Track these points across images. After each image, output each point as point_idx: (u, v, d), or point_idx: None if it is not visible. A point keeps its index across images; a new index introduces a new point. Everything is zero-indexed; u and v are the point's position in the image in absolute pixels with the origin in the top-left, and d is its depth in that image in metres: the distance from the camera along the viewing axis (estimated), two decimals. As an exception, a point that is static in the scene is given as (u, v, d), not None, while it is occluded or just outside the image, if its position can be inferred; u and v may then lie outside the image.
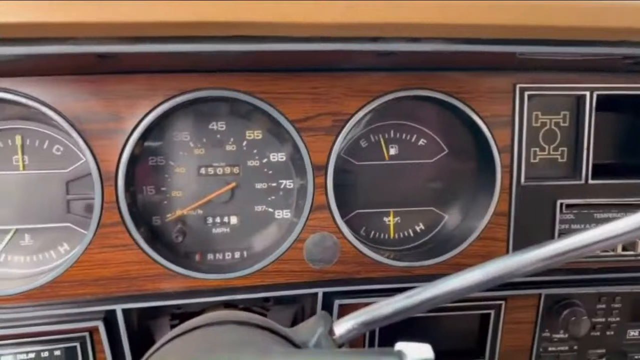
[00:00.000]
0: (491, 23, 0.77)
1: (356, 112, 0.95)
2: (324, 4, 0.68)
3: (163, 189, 1.02)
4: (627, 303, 1.14)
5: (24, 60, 0.76)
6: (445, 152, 1.10)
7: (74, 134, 0.87)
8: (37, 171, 0.97)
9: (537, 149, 1.05)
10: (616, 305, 1.13)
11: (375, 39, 0.77)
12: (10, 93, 0.85)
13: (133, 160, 0.92)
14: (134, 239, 0.91)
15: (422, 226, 1.13)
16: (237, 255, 1.06)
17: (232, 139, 1.03)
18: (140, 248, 0.91)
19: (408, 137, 1.09)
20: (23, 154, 0.97)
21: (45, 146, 0.98)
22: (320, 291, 0.98)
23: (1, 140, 0.97)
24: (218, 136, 1.02)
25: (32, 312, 0.89)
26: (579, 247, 0.55)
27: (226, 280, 0.96)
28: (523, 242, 1.03)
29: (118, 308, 0.91)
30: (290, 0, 0.70)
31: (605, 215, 1.07)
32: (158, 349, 0.56)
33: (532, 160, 1.04)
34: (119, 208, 0.90)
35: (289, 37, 0.72)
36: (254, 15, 0.67)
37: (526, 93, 1.00)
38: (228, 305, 1.03)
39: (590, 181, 1.04)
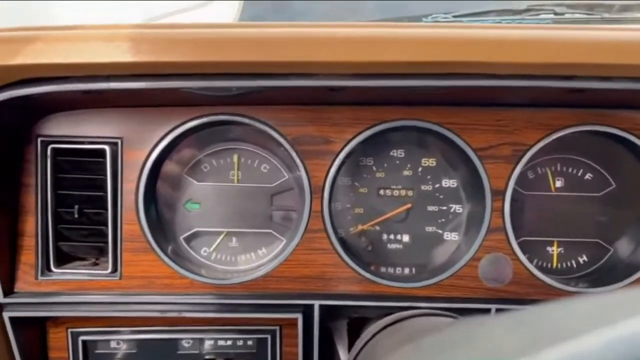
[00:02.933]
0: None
1: (536, 143, 1.04)
2: (531, 46, 0.80)
3: (348, 205, 1.16)
4: None
5: (268, 91, 0.95)
6: (612, 187, 1.14)
7: (293, 153, 1.04)
8: (248, 184, 1.16)
9: None
10: None
11: (569, 77, 0.87)
12: (248, 118, 1.04)
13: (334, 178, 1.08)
14: (332, 245, 1.06)
15: (585, 258, 1.17)
16: (406, 271, 1.17)
17: (409, 165, 1.16)
18: (337, 253, 1.06)
19: (574, 170, 1.16)
20: (238, 169, 1.17)
21: (255, 164, 1.17)
22: (493, 307, 1.06)
23: (222, 157, 1.17)
24: (397, 162, 1.16)
25: (247, 300, 1.05)
26: None
27: (406, 289, 1.07)
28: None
29: (316, 303, 1.05)
30: (498, 42, 0.83)
31: None
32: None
33: None
34: (322, 217, 1.06)
35: (494, 75, 0.85)
36: (470, 55, 0.80)
37: None
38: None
39: None
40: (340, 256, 1.06)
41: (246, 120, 1.05)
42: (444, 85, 0.84)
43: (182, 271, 1.05)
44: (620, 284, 1.06)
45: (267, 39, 0.85)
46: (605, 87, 0.86)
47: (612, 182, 1.15)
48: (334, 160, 1.06)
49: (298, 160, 1.05)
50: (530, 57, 0.82)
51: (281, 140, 1.05)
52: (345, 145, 1.06)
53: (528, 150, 1.05)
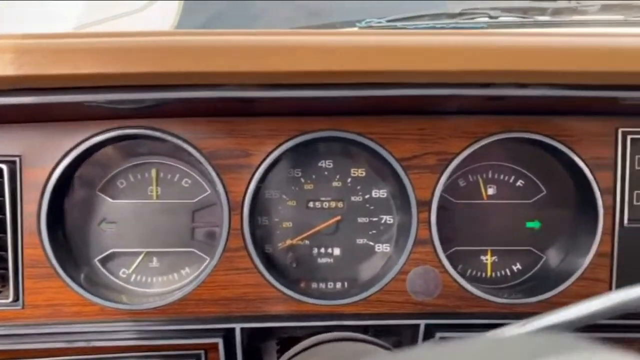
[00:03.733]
0: (596, 70, 0.83)
1: (461, 151, 1.01)
2: (446, 53, 0.77)
3: (276, 219, 1.11)
4: None
5: (176, 103, 0.89)
6: (543, 193, 1.12)
7: (209, 168, 0.98)
8: (168, 201, 1.10)
9: (640, 192, 1.06)
10: None
11: (486, 85, 0.84)
12: (160, 131, 0.98)
13: (254, 192, 1.02)
14: (254, 264, 1.00)
15: (519, 266, 1.15)
16: (338, 285, 1.13)
17: (338, 176, 1.11)
18: (259, 272, 1.00)
19: (506, 177, 1.14)
20: (157, 185, 1.10)
21: (175, 179, 1.10)
22: (422, 322, 1.02)
23: (139, 172, 1.10)
24: (326, 173, 1.11)
25: (163, 326, 0.98)
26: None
27: (333, 307, 1.02)
28: (627, 283, 1.01)
29: (237, 327, 0.99)
30: (412, 50, 0.79)
31: None
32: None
33: (635, 203, 1.05)
34: (242, 235, 1.00)
35: (410, 84, 0.81)
36: (384, 64, 0.76)
37: (629, 137, 1.02)
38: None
39: (698, 225, 1.03)
40: (262, 275, 1.00)
41: (158, 134, 0.98)
42: (353, 95, 0.80)
43: (91, 297, 0.98)
44: (551, 293, 1.04)
45: (168, 48, 0.79)
46: (522, 94, 0.84)
47: (543, 189, 1.13)
48: (253, 174, 1.00)
49: (215, 175, 0.99)
50: (443, 65, 0.79)
51: (196, 154, 0.99)
52: (265, 158, 1.00)
53: (453, 159, 1.01)
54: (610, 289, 1.03)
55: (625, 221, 1.04)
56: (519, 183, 1.13)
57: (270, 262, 1.09)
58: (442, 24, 1.41)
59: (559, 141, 1.02)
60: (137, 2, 2.23)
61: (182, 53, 0.79)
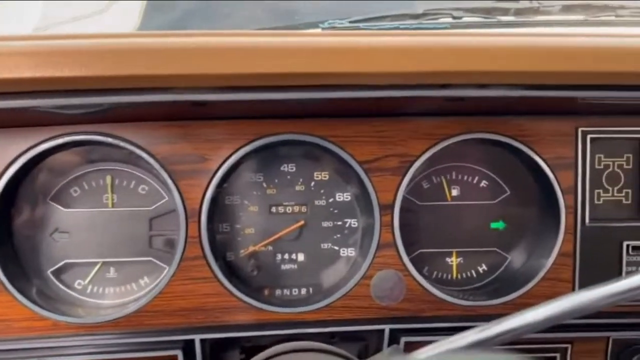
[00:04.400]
0: (554, 70, 0.82)
1: (422, 153, 1.00)
2: (401, 54, 0.75)
3: (237, 226, 1.08)
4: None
5: (126, 107, 0.85)
6: (507, 194, 1.12)
7: (164, 174, 0.95)
8: (124, 209, 1.06)
9: (601, 191, 1.06)
10: (690, 352, 1.10)
11: (444, 86, 0.82)
12: (111, 137, 0.94)
13: (213, 199, 0.99)
14: (213, 273, 0.97)
15: (484, 267, 1.14)
16: (303, 291, 1.10)
17: (301, 180, 1.09)
18: (219, 281, 0.97)
19: (469, 178, 1.13)
20: (112, 192, 1.06)
21: (132, 186, 1.07)
22: (386, 327, 1.01)
23: (94, 180, 1.06)
24: (288, 177, 1.09)
25: (119, 339, 0.95)
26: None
27: (296, 314, 1.00)
28: (589, 283, 1.01)
29: (196, 338, 0.96)
30: (367, 52, 0.78)
31: (676, 258, 1.06)
32: None
33: (596, 202, 1.05)
34: (200, 243, 0.97)
35: (366, 86, 0.79)
36: (338, 66, 0.74)
37: (589, 136, 1.02)
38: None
39: (658, 223, 1.04)
40: (222, 284, 0.97)
41: (110, 140, 0.95)
42: (308, 98, 0.78)
43: (43, 311, 0.93)
44: (515, 294, 1.03)
45: (116, 51, 0.76)
46: (481, 94, 0.83)
47: (507, 189, 1.12)
48: (211, 180, 0.97)
49: (170, 182, 0.96)
50: (400, 67, 0.77)
51: (150, 160, 0.95)
52: (222, 163, 0.97)
53: (414, 161, 1.00)
54: (573, 288, 1.04)
55: (587, 220, 1.04)
56: (483, 184, 1.13)
57: (231, 270, 1.06)
58: (405, 24, 1.40)
59: (520, 141, 1.02)
60: (98, 3, 2.17)
61: (131, 56, 0.75)
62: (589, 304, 0.64)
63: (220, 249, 1.06)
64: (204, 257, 0.97)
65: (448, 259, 1.14)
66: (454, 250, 1.13)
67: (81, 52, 0.74)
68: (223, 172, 0.97)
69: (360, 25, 1.38)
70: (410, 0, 1.88)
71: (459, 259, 1.14)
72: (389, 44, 0.79)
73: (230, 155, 0.97)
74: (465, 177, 1.13)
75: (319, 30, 1.35)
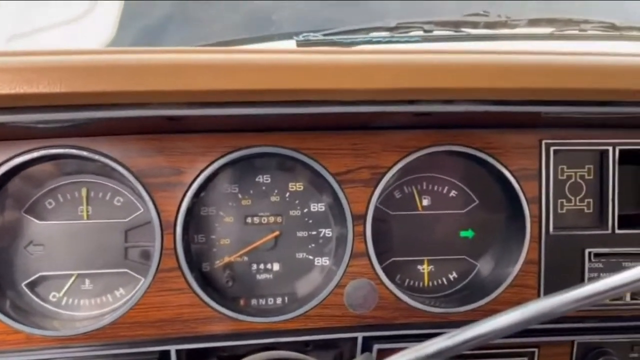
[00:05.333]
0: (516, 87, 0.86)
1: (393, 165, 1.03)
2: (371, 72, 0.78)
3: (213, 237, 1.09)
4: (661, 352, 1.16)
5: (101, 122, 0.86)
6: (476, 203, 1.16)
7: (139, 187, 0.96)
8: (99, 221, 1.06)
9: (564, 200, 1.10)
10: (649, 354, 1.15)
11: (412, 102, 0.86)
12: (86, 150, 0.95)
13: (189, 210, 1.01)
14: (188, 284, 0.98)
15: (455, 275, 1.18)
16: (279, 300, 1.12)
17: (276, 191, 1.11)
18: (194, 292, 0.98)
19: (440, 188, 1.16)
20: (88, 204, 1.06)
21: (107, 198, 1.07)
22: (360, 335, 1.03)
23: (69, 192, 1.06)
24: (264, 188, 1.11)
25: (94, 351, 0.95)
26: (604, 290, 0.61)
27: (271, 324, 1.01)
28: (554, 289, 1.06)
29: (172, 349, 0.97)
30: (338, 69, 0.80)
31: (634, 265, 1.10)
32: None
33: (559, 211, 1.10)
34: (176, 254, 0.98)
35: (337, 101, 0.82)
36: (310, 83, 0.76)
37: (552, 148, 1.07)
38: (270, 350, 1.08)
39: (617, 231, 1.09)
40: (197, 295, 0.99)
41: (84, 154, 0.95)
42: (279, 113, 0.80)
43: (16, 324, 0.93)
44: (484, 301, 1.07)
45: (89, 67, 0.77)
46: (447, 110, 0.86)
47: (475, 199, 1.16)
48: (186, 192, 0.99)
49: (145, 194, 0.97)
50: (368, 84, 0.80)
51: (125, 173, 0.96)
52: (198, 176, 0.99)
53: (386, 173, 1.03)
54: (538, 295, 1.08)
55: (551, 229, 1.08)
56: (453, 194, 1.16)
57: (207, 280, 1.07)
58: (378, 37, 1.43)
59: (486, 153, 1.05)
60: (71, 12, 2.15)
61: (106, 72, 0.77)
62: (554, 309, 0.66)
63: (196, 260, 1.07)
64: (180, 268, 0.98)
65: (419, 267, 1.17)
66: (425, 258, 1.17)
67: (55, 68, 0.75)
68: (198, 185, 0.99)
69: (334, 38, 1.41)
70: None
71: (430, 267, 1.17)
72: (359, 62, 0.82)
73: (206, 168, 0.99)
74: (436, 187, 1.16)
75: (293, 45, 1.38)
